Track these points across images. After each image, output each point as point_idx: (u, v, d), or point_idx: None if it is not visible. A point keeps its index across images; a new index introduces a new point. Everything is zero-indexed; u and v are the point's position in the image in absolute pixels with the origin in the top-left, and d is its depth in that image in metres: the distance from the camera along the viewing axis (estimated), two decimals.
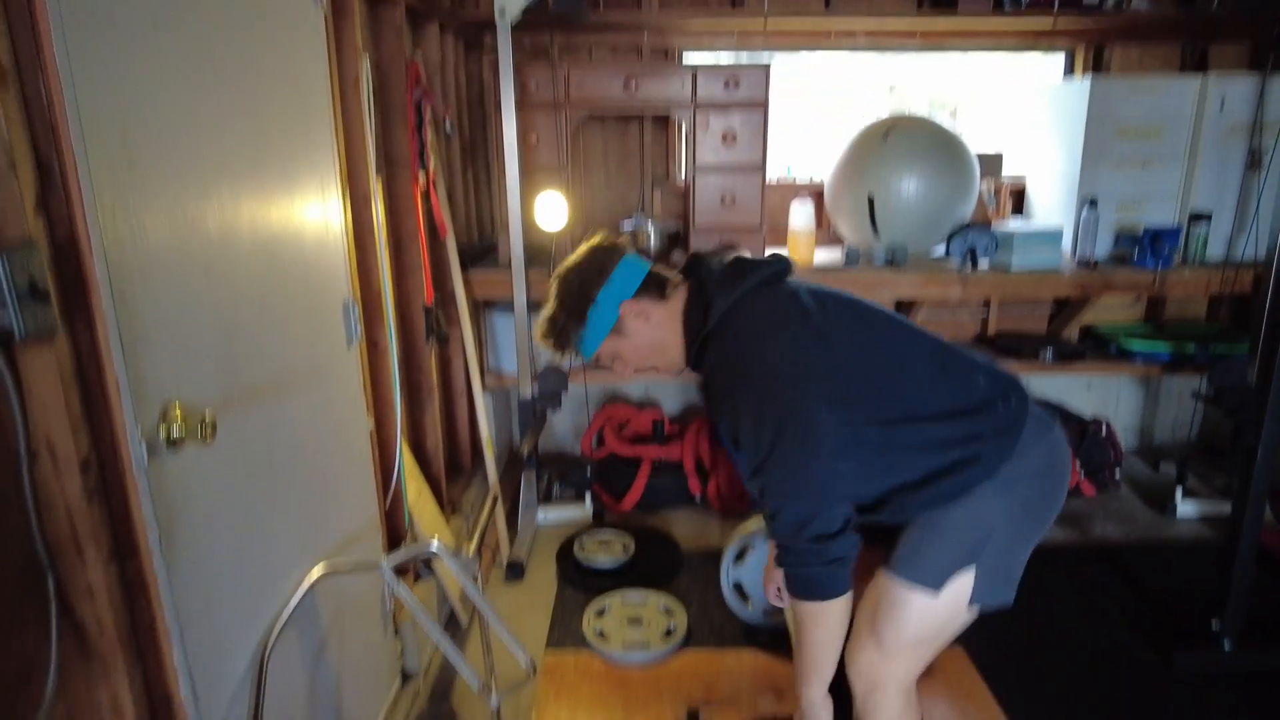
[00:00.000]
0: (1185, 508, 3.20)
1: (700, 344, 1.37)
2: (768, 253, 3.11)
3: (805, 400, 1.25)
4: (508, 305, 2.93)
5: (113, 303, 1.02)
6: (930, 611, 1.35)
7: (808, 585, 1.31)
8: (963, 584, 1.34)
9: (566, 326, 1.40)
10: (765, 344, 1.28)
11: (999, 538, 1.33)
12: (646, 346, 1.42)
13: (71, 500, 1.00)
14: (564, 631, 2.43)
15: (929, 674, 2.17)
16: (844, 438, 1.28)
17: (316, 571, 1.57)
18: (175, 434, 1.11)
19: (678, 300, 1.41)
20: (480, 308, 3.21)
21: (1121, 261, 3.17)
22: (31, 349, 0.94)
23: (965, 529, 1.32)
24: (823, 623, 1.33)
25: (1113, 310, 3.70)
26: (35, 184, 0.93)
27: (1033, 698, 2.12)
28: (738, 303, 1.33)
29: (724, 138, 2.95)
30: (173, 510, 1.14)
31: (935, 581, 1.33)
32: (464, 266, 2.79)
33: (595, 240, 1.44)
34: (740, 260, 1.42)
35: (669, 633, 2.36)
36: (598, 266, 1.39)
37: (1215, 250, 3.15)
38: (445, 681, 2.25)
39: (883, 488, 1.36)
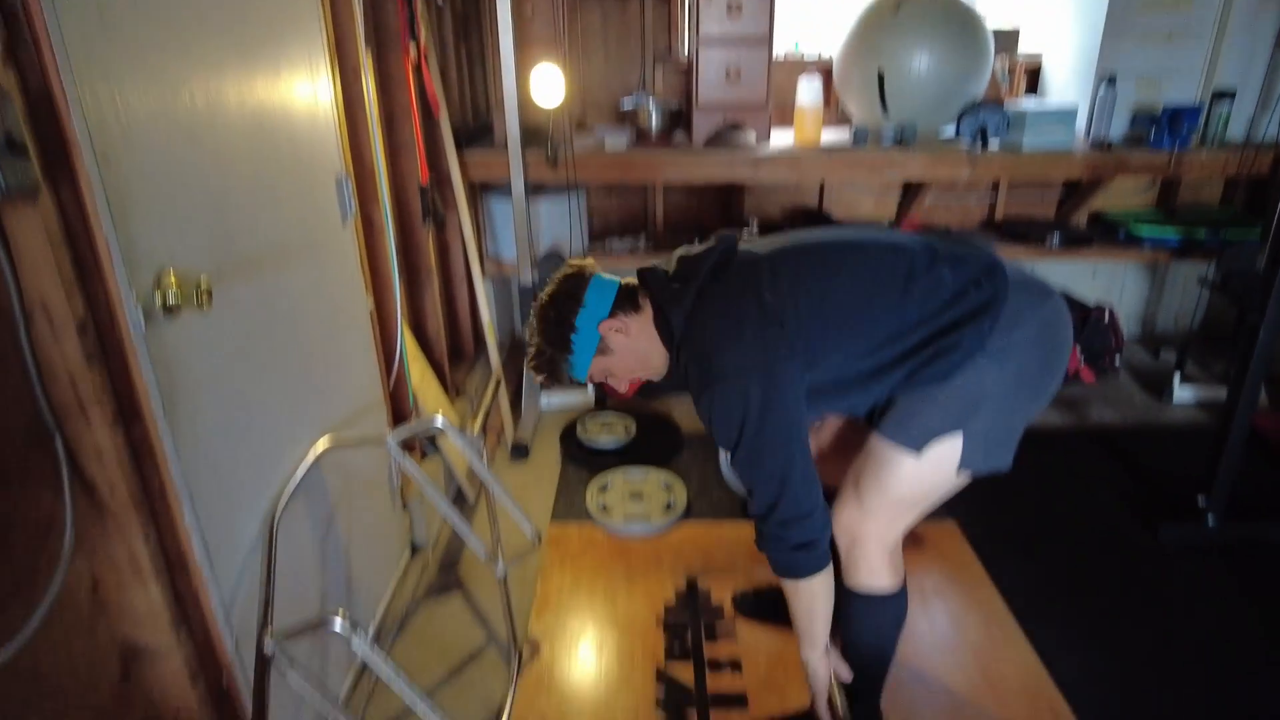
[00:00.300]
0: (1182, 393, 3.23)
1: (675, 348, 1.43)
2: (773, 133, 3.02)
3: (767, 393, 1.28)
4: (505, 191, 2.87)
5: (95, 162, 0.99)
6: (913, 474, 1.38)
7: (782, 566, 1.39)
8: (948, 450, 1.36)
9: (554, 358, 1.45)
10: (722, 352, 1.32)
11: (990, 405, 1.34)
12: (633, 358, 1.46)
13: (72, 363, 1.00)
14: (568, 506, 2.51)
15: (921, 546, 2.25)
16: (820, 396, 1.37)
17: (322, 444, 1.60)
18: (171, 300, 1.11)
19: (649, 310, 1.45)
20: (477, 193, 3.15)
21: (1137, 143, 3.08)
22: (15, 207, 0.92)
23: (955, 397, 1.34)
24: (803, 597, 1.41)
25: (1124, 195, 3.62)
26: (0, 30, 0.88)
27: (1022, 569, 2.20)
28: (693, 309, 1.37)
29: (729, 8, 2.81)
30: (174, 377, 1.15)
31: (917, 444, 1.35)
32: (459, 147, 2.72)
33: (562, 271, 1.47)
34: (684, 261, 1.42)
35: (669, 507, 2.43)
36: (570, 294, 1.43)
37: (1236, 131, 3.05)
38: (453, 553, 2.34)
39: (870, 398, 1.41)
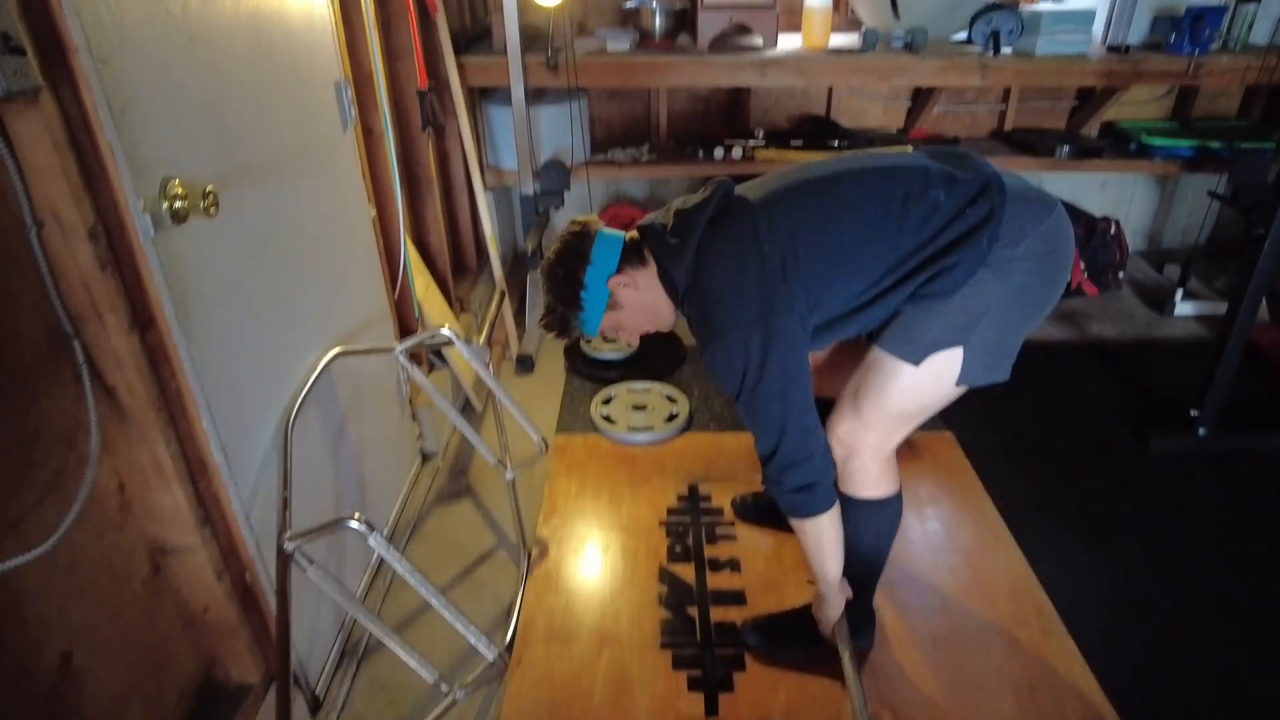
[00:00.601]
0: (1183, 308, 3.24)
1: (680, 302, 1.44)
2: (781, 37, 2.93)
3: (767, 344, 1.30)
4: (505, 97, 2.80)
5: (93, 64, 0.98)
6: (913, 386, 1.40)
7: (786, 507, 1.42)
8: (949, 363, 1.38)
9: (565, 315, 1.47)
10: (723, 306, 1.33)
11: (992, 318, 1.35)
12: (642, 311, 1.48)
13: (85, 270, 1.01)
14: (573, 418, 2.56)
15: (918, 455, 2.31)
16: (825, 330, 1.40)
17: (332, 353, 1.63)
18: (178, 206, 1.11)
19: (654, 264, 1.45)
20: (476, 100, 3.07)
21: (1155, 49, 2.98)
22: (18, 109, 0.91)
23: (958, 310, 1.34)
24: (809, 535, 1.45)
25: (1138, 106, 3.53)
26: None
27: (1015, 477, 2.27)
28: (693, 264, 1.37)
29: None
30: (185, 284, 1.16)
31: (917, 357, 1.37)
32: (457, 51, 2.64)
33: (566, 230, 1.47)
34: (680, 214, 1.40)
35: (672, 417, 2.48)
36: (577, 252, 1.43)
37: (1260, 36, 2.95)
38: (463, 461, 2.40)
39: (873, 321, 1.42)
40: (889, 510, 1.54)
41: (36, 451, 1.01)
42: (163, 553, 1.26)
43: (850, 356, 1.55)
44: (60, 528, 0.95)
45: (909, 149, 3.16)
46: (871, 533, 1.54)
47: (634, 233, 1.48)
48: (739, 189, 1.43)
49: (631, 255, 1.44)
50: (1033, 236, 1.32)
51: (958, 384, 1.40)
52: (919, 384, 1.40)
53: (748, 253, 1.33)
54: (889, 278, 1.34)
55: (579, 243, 1.44)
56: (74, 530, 0.97)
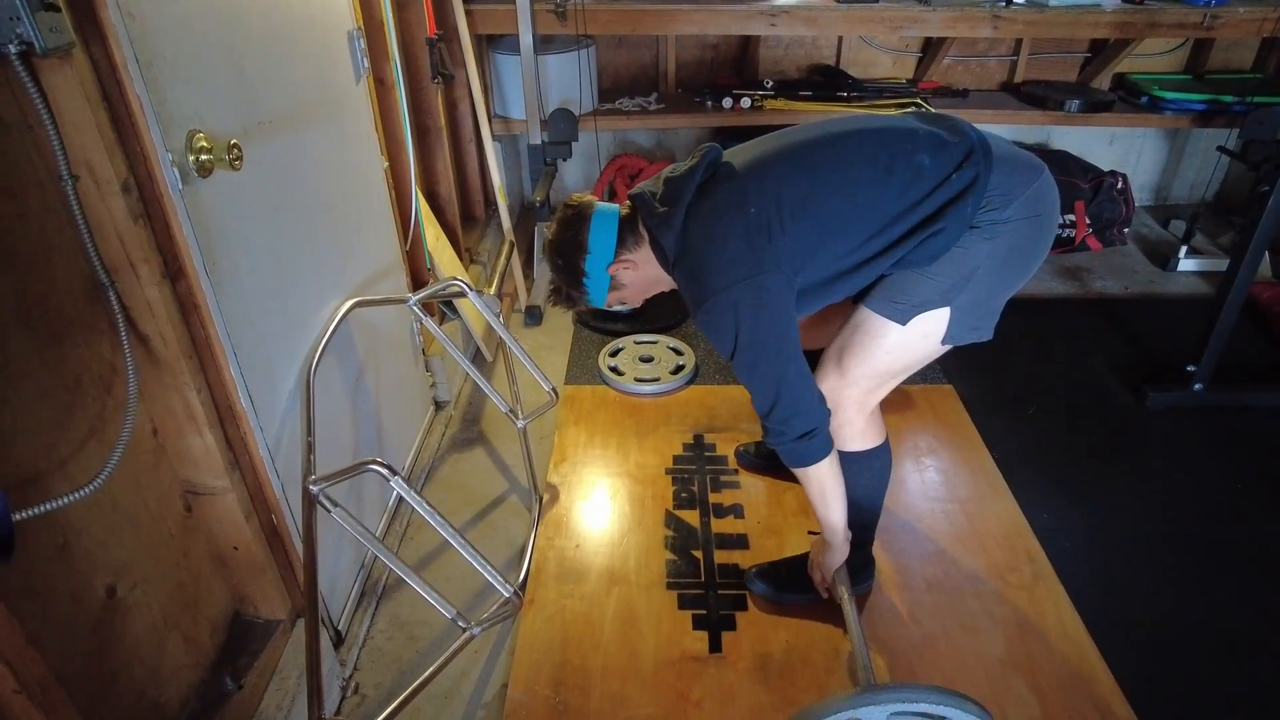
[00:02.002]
0: (1187, 264, 3.25)
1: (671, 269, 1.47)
2: None
3: (757, 302, 1.33)
4: (512, 46, 2.78)
5: (121, 18, 0.99)
6: (899, 344, 1.44)
7: (789, 456, 1.46)
8: (935, 323, 1.42)
9: (571, 295, 1.54)
10: (711, 268, 1.35)
11: (980, 279, 1.38)
12: (643, 286, 1.54)
13: (119, 222, 1.05)
14: (581, 369, 2.61)
15: (918, 408, 2.36)
16: (810, 295, 1.43)
17: (350, 303, 1.67)
18: (204, 159, 1.13)
19: (647, 237, 1.47)
20: (485, 48, 3.05)
21: None
22: (53, 65, 0.94)
23: (946, 272, 1.38)
24: (813, 482, 1.49)
25: (1151, 58, 3.50)
26: None
27: (1013, 430, 2.32)
28: (682, 230, 1.39)
29: None
30: (211, 235, 1.20)
31: (904, 317, 1.41)
32: None
33: (560, 213, 1.49)
34: (669, 182, 1.41)
35: (678, 369, 2.53)
36: (573, 241, 1.47)
37: None
38: (475, 410, 2.46)
39: (859, 285, 1.45)
40: (877, 461, 1.60)
41: (78, 396, 1.06)
42: (194, 494, 1.32)
43: (836, 311, 1.58)
44: (106, 467, 1.00)
45: (917, 104, 3.15)
46: (862, 483, 1.60)
47: (628, 205, 1.50)
48: (728, 153, 1.45)
49: (627, 234, 1.47)
50: (1020, 200, 1.35)
51: (943, 343, 1.45)
52: (905, 343, 1.44)
53: (734, 215, 1.35)
54: (875, 242, 1.37)
55: (574, 229, 1.47)
56: (114, 471, 1.02)
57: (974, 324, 1.43)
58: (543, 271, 3.15)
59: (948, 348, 1.46)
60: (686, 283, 1.42)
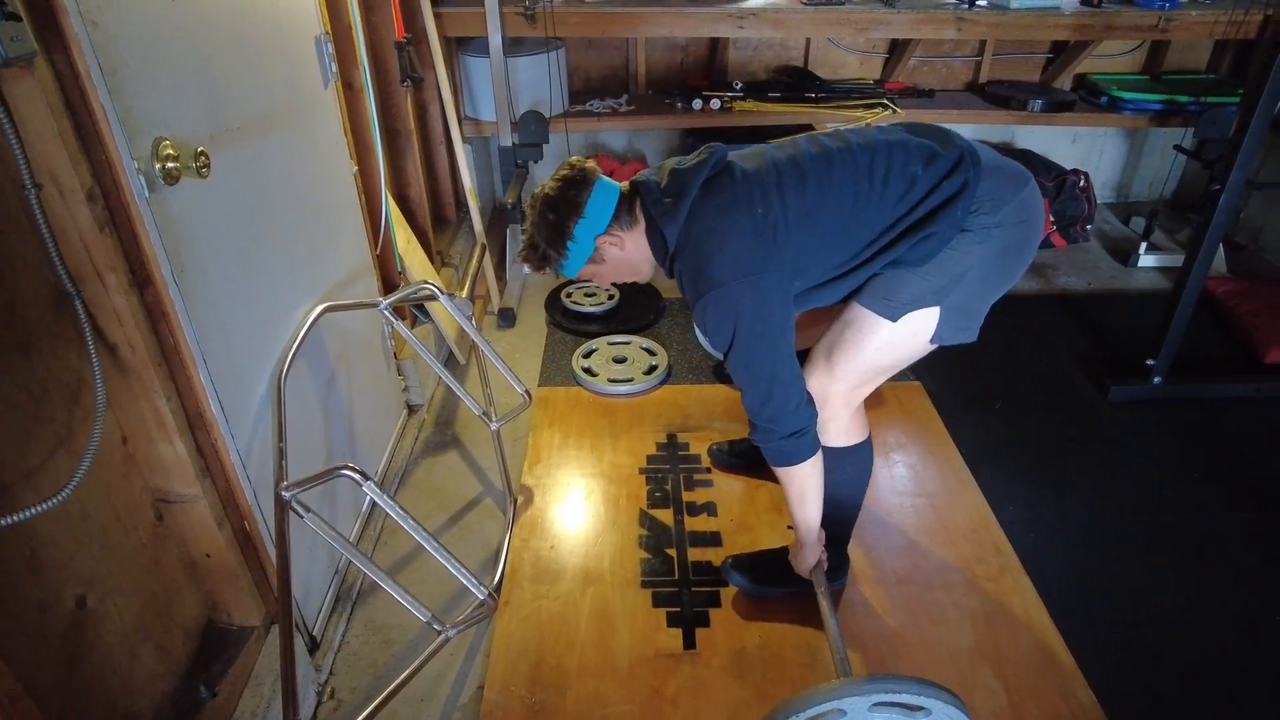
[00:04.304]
0: (1146, 259, 3.34)
1: (669, 261, 1.47)
2: None
3: (757, 299, 1.35)
4: (482, 48, 2.78)
5: (84, 26, 0.99)
6: (888, 342, 1.47)
7: (775, 455, 1.47)
8: (925, 322, 1.45)
9: (546, 254, 1.48)
10: (715, 261, 1.36)
11: (970, 281, 1.42)
12: (621, 267, 1.52)
13: (84, 231, 1.04)
14: (554, 370, 2.62)
15: (887, 405, 2.40)
16: (806, 296, 1.47)
17: (320, 308, 1.66)
18: (170, 167, 1.13)
19: (642, 223, 1.47)
20: (454, 50, 3.04)
21: (1128, 2, 3.02)
22: (14, 75, 0.93)
23: (938, 273, 1.41)
24: (795, 482, 1.51)
25: (1110, 59, 3.58)
26: None
27: (980, 425, 2.37)
28: (687, 221, 1.40)
29: None
30: (179, 242, 1.19)
31: (895, 314, 1.44)
32: (434, 1, 2.61)
33: (566, 170, 1.46)
34: (675, 174, 1.43)
35: (651, 369, 2.55)
36: (571, 201, 1.44)
37: None
38: (448, 413, 2.46)
39: (853, 287, 1.49)
40: (860, 458, 1.63)
41: (44, 407, 1.05)
42: (165, 502, 1.31)
43: (825, 312, 1.61)
44: (75, 478, 0.99)
45: (884, 105, 3.19)
46: (844, 479, 1.63)
47: (627, 186, 1.50)
48: (731, 155, 1.47)
49: (622, 211, 1.46)
50: (1010, 205, 1.40)
51: (931, 341, 1.48)
52: (895, 340, 1.47)
53: (742, 214, 1.37)
54: (871, 248, 1.42)
55: (576, 190, 1.44)
56: (83, 481, 1.02)
57: (962, 325, 1.47)
58: (515, 273, 3.15)
59: (934, 347, 1.50)
60: (688, 274, 1.42)
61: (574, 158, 1.50)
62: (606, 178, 1.49)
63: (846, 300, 1.52)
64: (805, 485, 1.51)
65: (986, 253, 1.40)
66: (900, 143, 1.41)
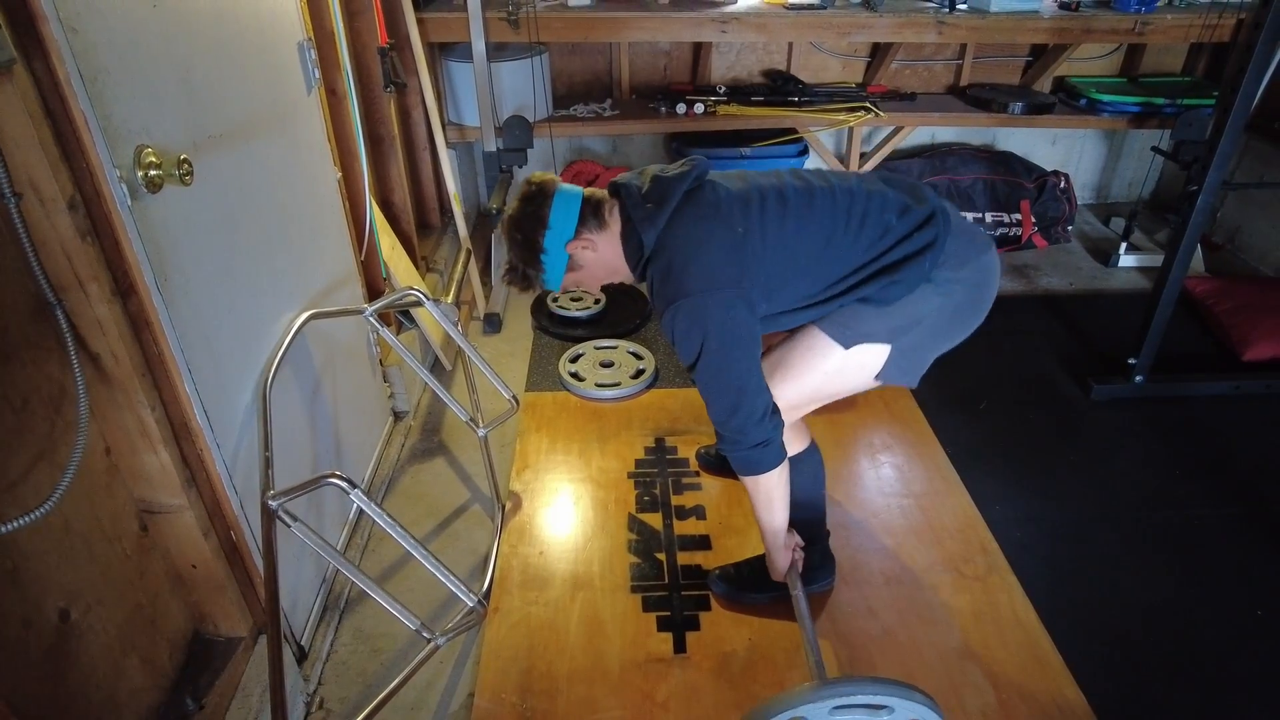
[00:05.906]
0: (1126, 259, 3.38)
1: (641, 265, 1.48)
2: None
3: (727, 311, 1.36)
4: (465, 53, 2.78)
5: (63, 32, 0.98)
6: (837, 367, 1.50)
7: (742, 464, 1.48)
8: (874, 357, 1.49)
9: (526, 274, 1.51)
10: (688, 271, 1.38)
11: (924, 328, 1.47)
12: (601, 270, 1.52)
13: (66, 239, 1.03)
14: (541, 375, 2.61)
15: (873, 407, 2.42)
16: (771, 320, 1.49)
17: (304, 316, 1.65)
18: (153, 175, 1.12)
19: (615, 225, 1.48)
20: (437, 55, 3.04)
21: (1105, 6, 3.06)
22: None
23: (896, 314, 1.46)
24: (761, 491, 1.51)
25: (1088, 62, 3.62)
26: None
27: (965, 425, 2.39)
28: (666, 228, 1.41)
29: None
30: (162, 250, 1.18)
31: (849, 341, 1.48)
32: (417, 7, 2.61)
33: (524, 189, 1.47)
34: (658, 180, 1.44)
35: (638, 374, 2.55)
36: (534, 216, 1.45)
37: None
38: (435, 419, 2.45)
39: (817, 316, 1.52)
40: (806, 464, 1.68)
41: (25, 418, 1.04)
42: (150, 513, 1.30)
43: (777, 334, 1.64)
44: (57, 490, 0.98)
45: (866, 108, 3.22)
46: (797, 484, 1.63)
47: (597, 190, 1.51)
48: (715, 176, 1.49)
49: (590, 217, 1.47)
50: (972, 265, 1.46)
51: (875, 378, 1.52)
52: (842, 368, 1.51)
53: (722, 229, 1.39)
54: (838, 285, 1.46)
55: (536, 205, 1.46)
56: (66, 493, 1.00)
57: (906, 368, 1.52)
58: (500, 278, 3.14)
59: (876, 385, 1.54)
60: (660, 280, 1.43)
61: (533, 174, 1.52)
62: (567, 185, 1.49)
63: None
64: (771, 493, 1.52)
65: (945, 306, 1.46)
66: (879, 192, 1.47)
